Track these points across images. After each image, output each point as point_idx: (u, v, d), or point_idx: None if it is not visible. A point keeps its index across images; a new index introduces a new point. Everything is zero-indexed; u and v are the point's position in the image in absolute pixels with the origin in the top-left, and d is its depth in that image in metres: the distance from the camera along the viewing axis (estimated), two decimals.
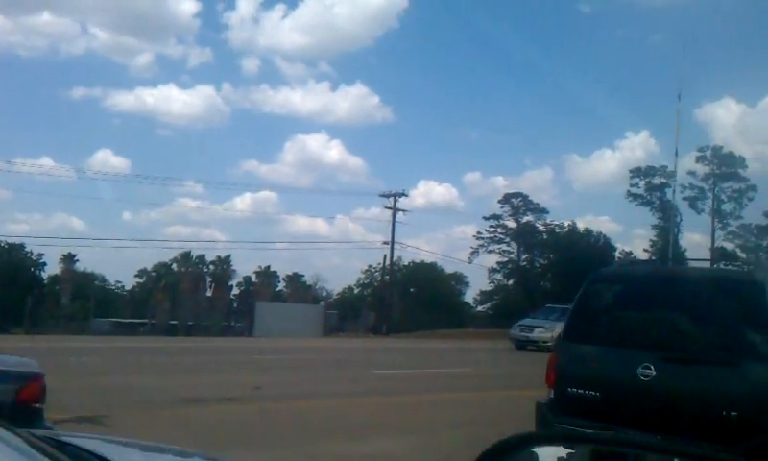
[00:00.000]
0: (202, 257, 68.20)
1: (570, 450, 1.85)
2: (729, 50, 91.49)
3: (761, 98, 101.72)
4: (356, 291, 75.85)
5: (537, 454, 1.81)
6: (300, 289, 70.18)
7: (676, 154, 17.03)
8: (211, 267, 69.67)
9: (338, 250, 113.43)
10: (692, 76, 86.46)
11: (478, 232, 73.72)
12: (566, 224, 72.96)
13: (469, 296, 78.53)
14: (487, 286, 75.60)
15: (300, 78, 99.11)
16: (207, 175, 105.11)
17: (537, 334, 29.67)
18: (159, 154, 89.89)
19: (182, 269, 67.00)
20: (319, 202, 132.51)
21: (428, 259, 71.51)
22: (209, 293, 63.95)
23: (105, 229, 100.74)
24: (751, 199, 71.22)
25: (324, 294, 73.57)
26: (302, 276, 73.62)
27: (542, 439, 1.84)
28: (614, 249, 70.80)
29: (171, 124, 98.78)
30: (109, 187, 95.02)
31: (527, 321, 32.82)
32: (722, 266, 12.18)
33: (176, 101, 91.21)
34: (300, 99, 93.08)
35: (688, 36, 56.07)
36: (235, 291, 71.03)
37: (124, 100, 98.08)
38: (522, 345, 29.63)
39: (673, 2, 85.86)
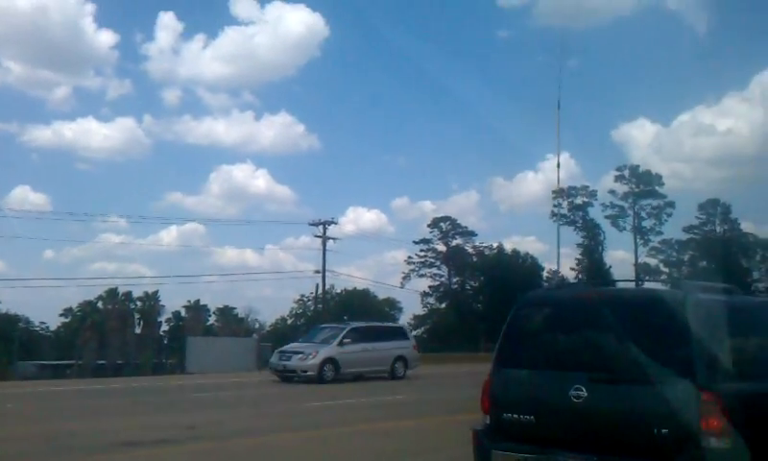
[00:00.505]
0: (128, 294, 66.65)
1: None
2: (642, 72, 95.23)
3: (674, 117, 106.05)
4: (290, 321, 75.35)
5: None
6: (231, 322, 69.29)
7: (558, 166, 16.69)
8: (138, 303, 68.10)
9: (269, 280, 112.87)
10: (607, 97, 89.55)
11: (409, 257, 74.48)
12: (495, 246, 74.33)
13: (403, 321, 78.65)
14: (420, 310, 76.08)
15: (223, 108, 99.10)
16: (131, 209, 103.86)
17: (295, 362, 24.99)
18: (80, 189, 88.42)
19: (109, 307, 65.28)
20: (247, 232, 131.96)
21: (361, 286, 71.69)
22: (138, 330, 62.61)
23: (26, 268, 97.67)
24: (669, 215, 74.07)
25: (257, 326, 72.87)
26: (234, 308, 72.74)
27: None
28: (542, 268, 72.34)
29: (91, 158, 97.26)
30: (29, 225, 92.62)
31: (289, 346, 27.54)
32: (646, 284, 12.53)
33: (95, 134, 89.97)
34: (223, 129, 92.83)
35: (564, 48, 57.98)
36: (165, 327, 69.76)
37: (41, 134, 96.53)
38: (285, 376, 25.05)
39: (589, 27, 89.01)
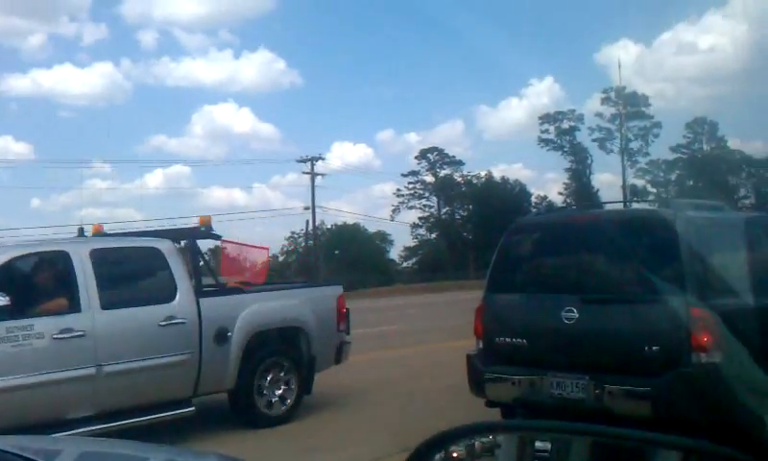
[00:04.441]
0: None
1: (498, 439, 1.92)
2: None
3: (656, 36, 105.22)
4: (281, 259, 75.39)
5: (470, 445, 1.87)
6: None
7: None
8: None
9: (258, 219, 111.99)
10: (588, 19, 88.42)
11: (398, 189, 74.34)
12: (483, 174, 74.14)
13: (395, 253, 79.05)
14: (411, 242, 76.31)
15: (201, 48, 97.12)
16: (115, 154, 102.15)
17: None
18: (63, 136, 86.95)
19: None
20: (234, 172, 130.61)
21: (350, 220, 71.52)
22: None
23: (14, 218, 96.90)
24: (657, 135, 73.89)
25: None
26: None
27: (470, 432, 1.88)
28: (530, 195, 72.42)
29: (71, 105, 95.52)
30: (14, 175, 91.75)
31: None
32: (634, 205, 12.58)
33: (74, 81, 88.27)
34: (203, 69, 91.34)
35: None
36: None
37: (19, 83, 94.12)
38: None
39: None
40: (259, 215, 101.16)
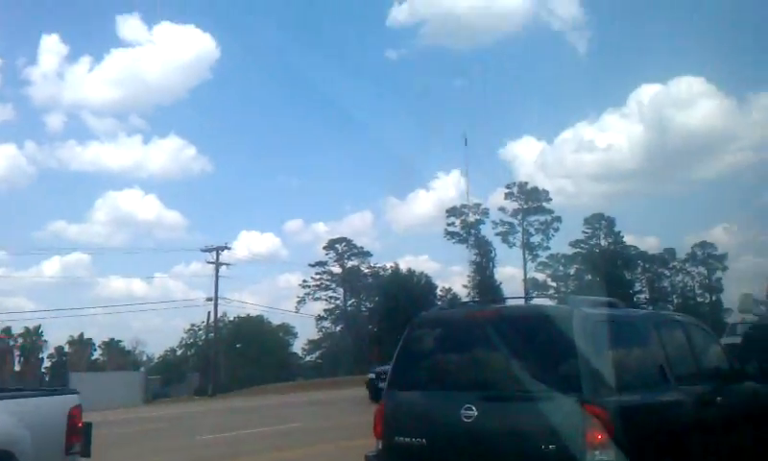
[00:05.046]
0: (7, 330, 63.24)
1: None
2: (527, 91, 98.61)
3: (557, 134, 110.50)
4: (179, 352, 73.20)
5: None
6: (117, 355, 66.96)
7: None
8: (19, 339, 64.70)
9: (158, 310, 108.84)
10: (493, 116, 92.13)
11: (304, 281, 74.01)
12: (390, 266, 74.52)
13: (298, 346, 77.99)
14: (315, 335, 75.54)
15: (109, 132, 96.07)
16: (11, 240, 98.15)
17: None
18: None
19: None
20: (135, 261, 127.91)
21: (254, 312, 70.36)
22: (17, 368, 59.48)
23: None
24: (557, 230, 76.41)
25: (145, 358, 70.57)
26: (120, 341, 70.22)
27: None
28: (435, 287, 73.06)
29: None
30: None
31: None
32: (535, 300, 12.75)
33: None
34: (110, 154, 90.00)
35: None
36: (47, 363, 66.63)
37: None
38: None
39: (473, 49, 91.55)
40: (160, 306, 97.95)
